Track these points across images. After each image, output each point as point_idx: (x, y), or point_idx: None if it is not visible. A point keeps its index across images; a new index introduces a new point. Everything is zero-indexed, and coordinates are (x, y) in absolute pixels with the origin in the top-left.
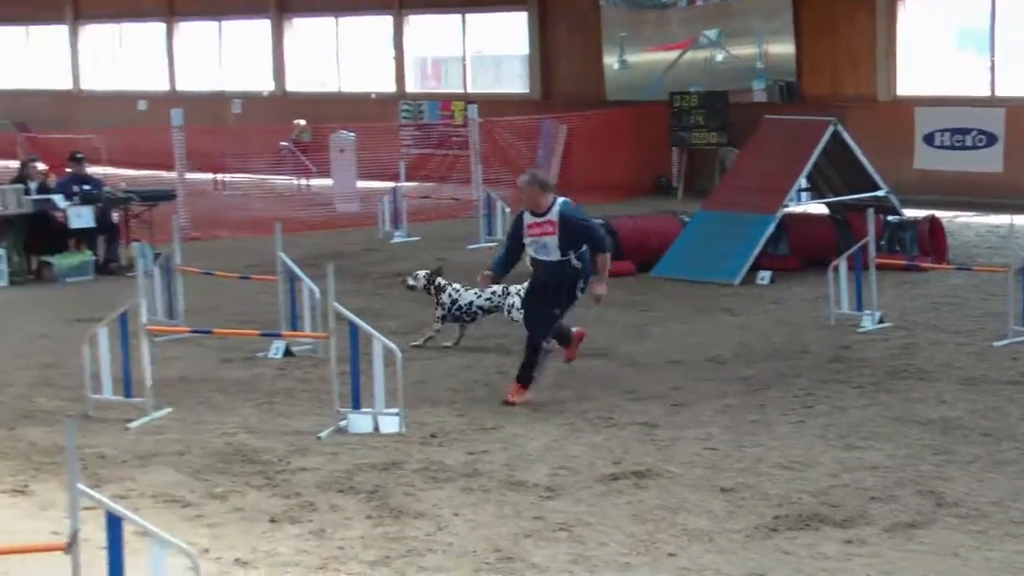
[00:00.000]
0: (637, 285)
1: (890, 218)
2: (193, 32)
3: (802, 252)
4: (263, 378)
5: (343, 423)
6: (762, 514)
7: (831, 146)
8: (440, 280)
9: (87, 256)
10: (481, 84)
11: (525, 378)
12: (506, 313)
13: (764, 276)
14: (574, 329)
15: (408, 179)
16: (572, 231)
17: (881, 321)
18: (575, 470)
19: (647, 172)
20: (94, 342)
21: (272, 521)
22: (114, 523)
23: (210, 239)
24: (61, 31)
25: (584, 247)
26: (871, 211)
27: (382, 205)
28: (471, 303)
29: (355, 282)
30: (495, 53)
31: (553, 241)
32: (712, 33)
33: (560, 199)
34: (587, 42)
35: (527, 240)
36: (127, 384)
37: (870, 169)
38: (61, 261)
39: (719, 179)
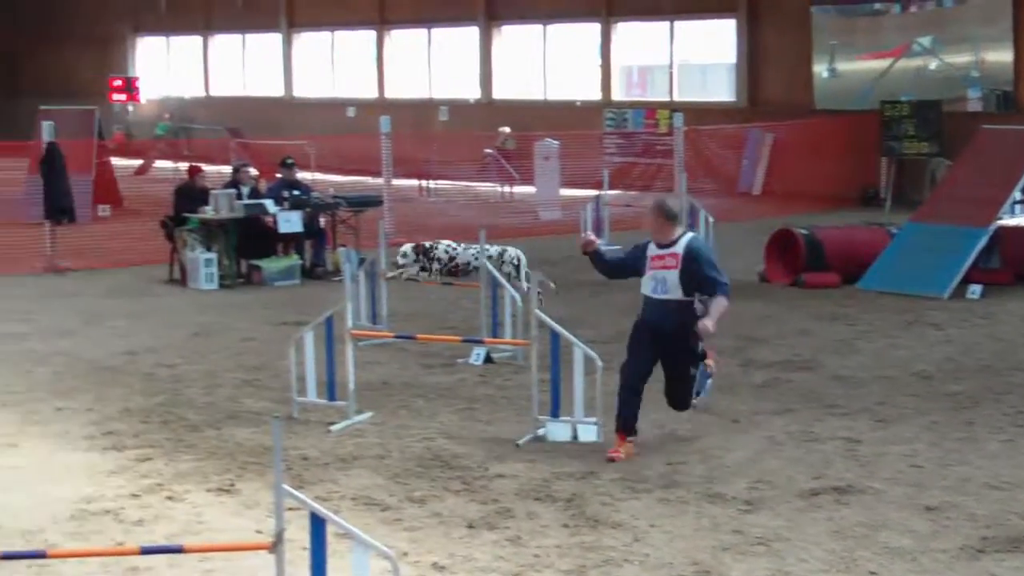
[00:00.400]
0: (842, 297)
1: None
2: (403, 40)
3: (1015, 266)
4: (464, 384)
5: (542, 431)
6: (968, 535)
7: None
8: (427, 243)
9: (294, 260)
10: (687, 92)
11: (625, 426)
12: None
13: (975, 290)
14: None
15: (611, 187)
16: (696, 268)
17: None
18: (774, 484)
19: (855, 182)
20: (300, 345)
21: (469, 527)
22: (318, 524)
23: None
24: (275, 39)
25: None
26: None
27: (584, 213)
28: (468, 262)
29: (556, 290)
30: (702, 61)
31: (674, 277)
32: (926, 40)
33: (690, 233)
34: (796, 50)
35: (646, 274)
36: (331, 387)
37: None
38: (269, 265)
39: (929, 190)
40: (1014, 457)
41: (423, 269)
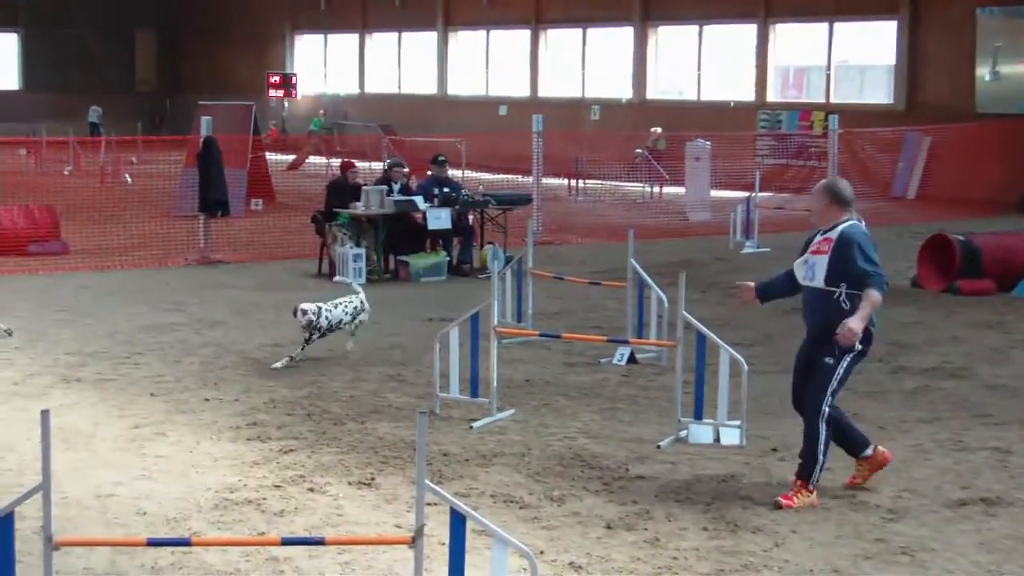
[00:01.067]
0: (998, 305)
1: None
2: (557, 39)
3: None
4: (606, 384)
5: (683, 433)
6: None
7: None
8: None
9: (442, 257)
10: (843, 94)
11: (805, 473)
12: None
13: None
14: (874, 447)
15: (762, 189)
16: (847, 256)
17: None
18: (921, 493)
19: (1015, 188)
20: (445, 342)
21: (608, 527)
22: (458, 521)
23: (562, 244)
24: (431, 37)
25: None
26: None
27: (734, 215)
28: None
29: (703, 291)
30: (860, 62)
31: (823, 262)
32: None
33: (852, 220)
34: (959, 52)
35: (800, 259)
36: (474, 384)
37: None
38: (417, 261)
39: None
40: None
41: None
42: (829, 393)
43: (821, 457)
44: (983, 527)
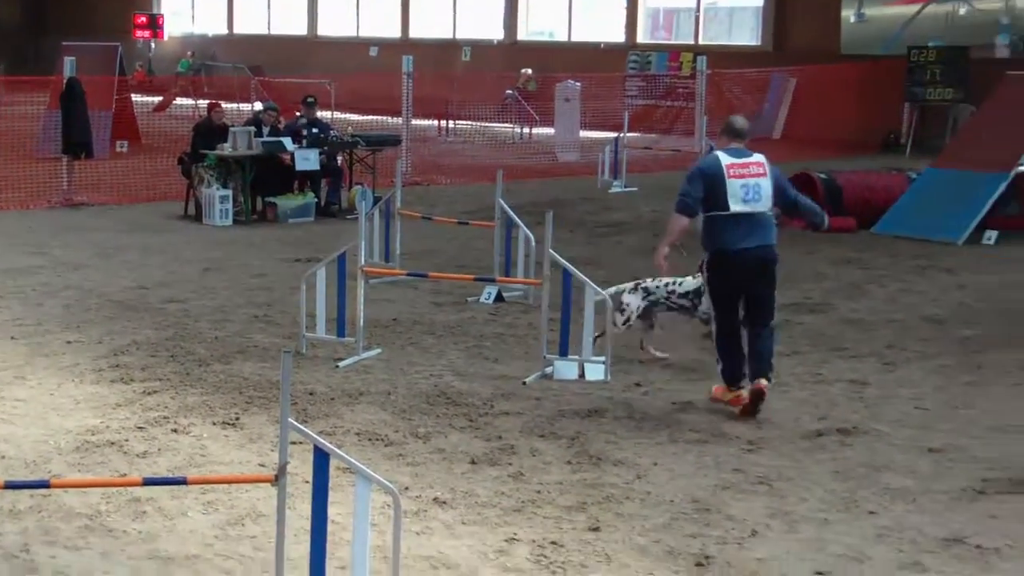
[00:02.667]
0: (858, 242)
1: None
2: None
3: None
4: (473, 322)
5: (549, 369)
6: (970, 476)
7: None
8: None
9: (310, 198)
10: (712, 36)
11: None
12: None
13: (991, 236)
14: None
15: (631, 130)
16: (780, 181)
17: None
18: (779, 425)
19: (877, 128)
20: (311, 282)
21: (472, 463)
22: (321, 458)
23: (430, 184)
24: None
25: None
26: None
27: (603, 155)
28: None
29: (571, 231)
30: (728, 4)
31: (767, 184)
32: None
33: (713, 152)
34: None
35: (732, 184)
36: (340, 324)
37: None
38: (285, 202)
39: (951, 136)
40: (1020, 401)
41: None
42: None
43: (718, 355)
44: (838, 456)
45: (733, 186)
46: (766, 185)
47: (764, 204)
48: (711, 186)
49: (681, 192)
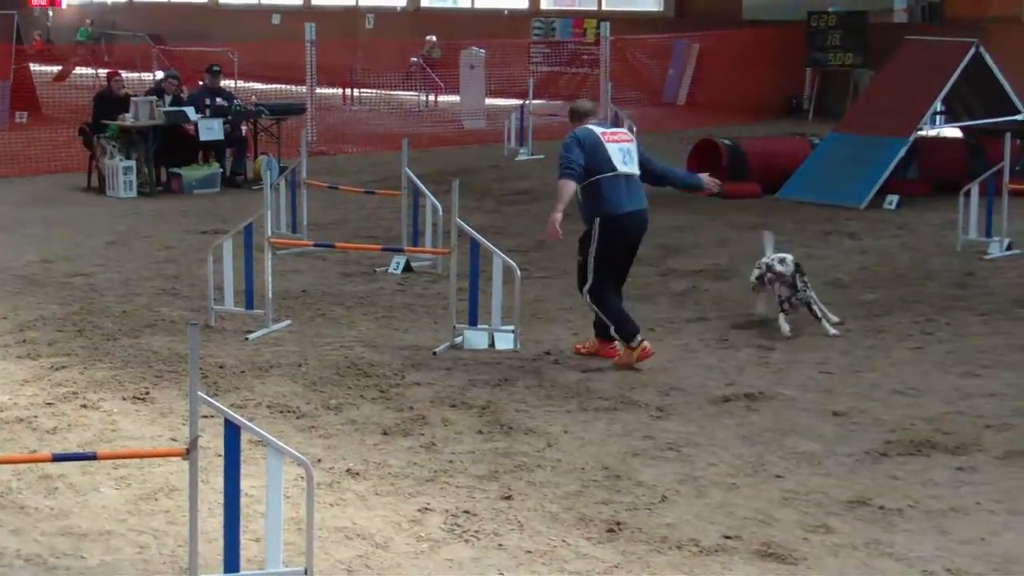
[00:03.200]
0: (762, 207)
1: None
2: None
3: (933, 177)
4: (382, 293)
5: (459, 339)
6: (873, 439)
7: (971, 68)
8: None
9: (215, 168)
10: (615, 2)
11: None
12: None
13: (892, 200)
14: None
15: (536, 97)
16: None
17: (1010, 248)
18: (687, 391)
19: (779, 93)
20: (218, 254)
21: (384, 434)
22: (232, 431)
23: (336, 154)
24: None
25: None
26: (1008, 135)
27: (509, 122)
28: None
29: (478, 199)
30: None
31: (634, 147)
32: None
33: (582, 126)
34: None
35: (611, 148)
36: (248, 296)
37: (1010, 92)
38: (189, 173)
39: (852, 101)
40: (921, 364)
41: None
42: (591, 276)
43: (611, 319)
44: (745, 421)
45: (612, 149)
46: (634, 151)
47: (636, 169)
48: (592, 151)
49: (564, 160)
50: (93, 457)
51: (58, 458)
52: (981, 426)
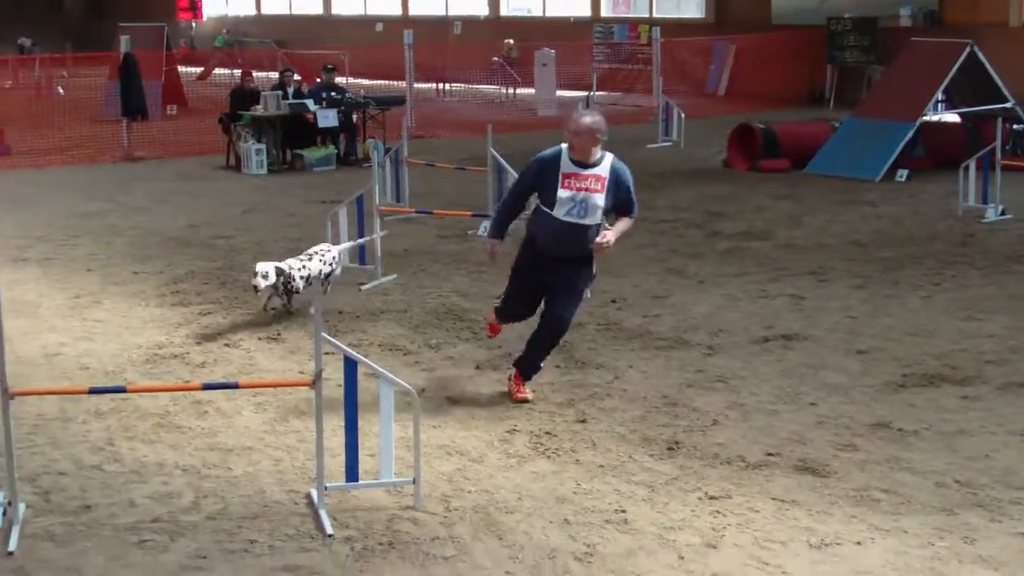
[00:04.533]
0: (792, 180)
1: (1015, 126)
2: None
3: (936, 154)
4: (472, 251)
5: None
6: (891, 373)
7: (967, 64)
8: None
9: (331, 150)
10: (664, 10)
11: (530, 369)
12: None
13: (902, 174)
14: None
15: (599, 89)
16: (622, 192)
17: (1003, 213)
18: (732, 333)
19: (804, 86)
20: (335, 220)
21: (477, 368)
22: (350, 365)
23: (432, 137)
24: None
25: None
26: (999, 119)
27: (576, 111)
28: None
29: None
30: None
31: (599, 200)
32: None
33: (610, 154)
34: None
35: (562, 194)
36: (361, 254)
37: (1000, 84)
38: (310, 154)
39: (866, 92)
40: (930, 310)
41: (286, 292)
42: (575, 310)
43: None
44: (783, 358)
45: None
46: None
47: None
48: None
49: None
50: (235, 386)
51: (207, 387)
52: (983, 361)
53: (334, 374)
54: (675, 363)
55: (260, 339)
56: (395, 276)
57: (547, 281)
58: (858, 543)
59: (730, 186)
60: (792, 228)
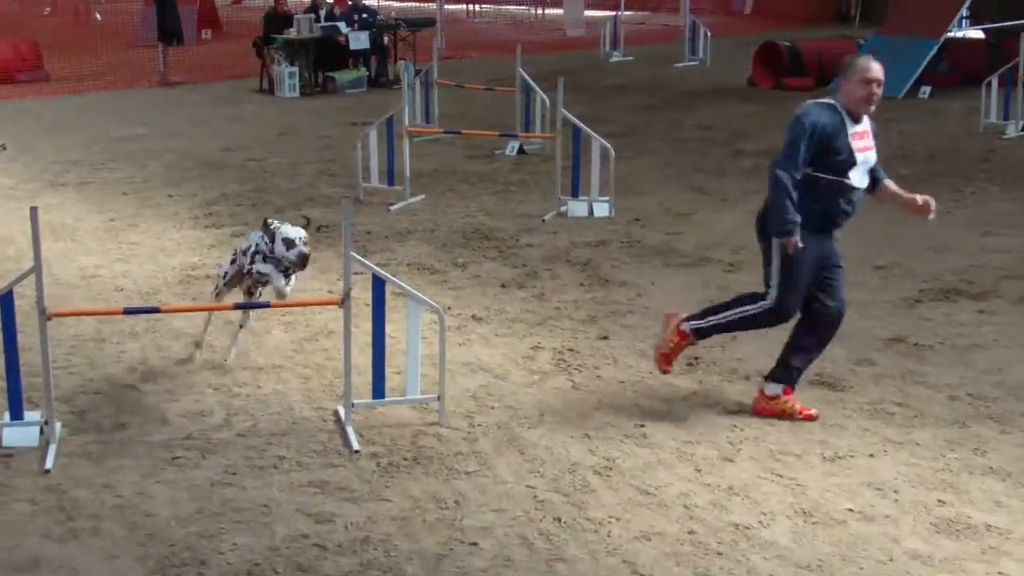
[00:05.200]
0: (816, 97)
1: None
2: None
3: (959, 71)
4: (500, 171)
5: (563, 208)
6: (909, 288)
7: None
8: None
9: (362, 72)
10: None
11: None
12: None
13: (925, 91)
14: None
15: (626, 8)
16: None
17: (1023, 130)
18: (753, 250)
19: (830, 4)
20: (366, 141)
21: (503, 286)
22: (378, 284)
23: (462, 58)
24: None
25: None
26: (1023, 35)
27: (604, 30)
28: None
29: (579, 93)
30: None
31: (872, 157)
32: None
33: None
34: None
35: (858, 157)
36: (390, 175)
37: None
38: (341, 76)
39: (891, 9)
40: (948, 226)
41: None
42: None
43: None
44: None
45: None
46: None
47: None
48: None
49: None
50: (266, 306)
51: (238, 306)
52: (999, 276)
53: (363, 293)
54: (697, 280)
55: None
56: (423, 196)
57: (829, 264)
58: (871, 455)
59: (755, 104)
60: None
